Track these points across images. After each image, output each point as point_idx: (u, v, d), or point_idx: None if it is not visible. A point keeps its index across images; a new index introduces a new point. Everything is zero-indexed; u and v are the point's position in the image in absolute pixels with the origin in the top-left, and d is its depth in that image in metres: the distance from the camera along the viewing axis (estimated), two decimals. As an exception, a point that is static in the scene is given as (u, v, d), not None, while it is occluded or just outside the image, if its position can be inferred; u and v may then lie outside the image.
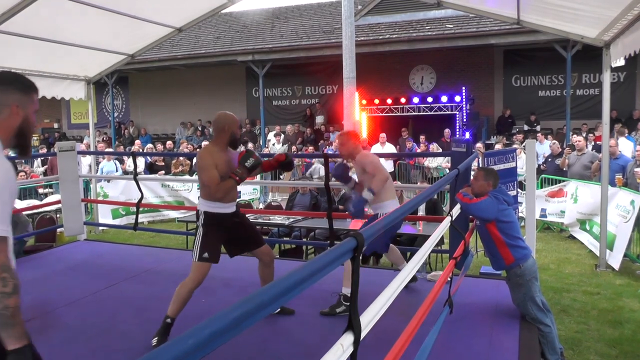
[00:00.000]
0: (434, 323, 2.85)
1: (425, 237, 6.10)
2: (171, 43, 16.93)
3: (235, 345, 3.37)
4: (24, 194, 9.84)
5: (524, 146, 6.11)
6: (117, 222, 9.55)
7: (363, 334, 1.40)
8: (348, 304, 3.98)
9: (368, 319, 1.48)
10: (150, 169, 12.27)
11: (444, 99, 13.95)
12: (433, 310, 2.72)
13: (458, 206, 3.82)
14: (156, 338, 3.58)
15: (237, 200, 4.05)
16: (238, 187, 3.80)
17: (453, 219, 3.38)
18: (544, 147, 11.38)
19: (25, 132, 1.92)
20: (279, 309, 4.03)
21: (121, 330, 3.94)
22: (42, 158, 14.02)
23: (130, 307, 4.40)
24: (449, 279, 3.31)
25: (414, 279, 4.51)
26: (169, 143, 14.94)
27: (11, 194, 1.79)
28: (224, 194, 3.62)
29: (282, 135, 15.65)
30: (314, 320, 4.02)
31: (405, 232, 6.23)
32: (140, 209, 6.79)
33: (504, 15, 6.58)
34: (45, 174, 12.96)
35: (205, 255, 3.63)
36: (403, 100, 14.30)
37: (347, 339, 1.33)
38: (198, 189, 10.76)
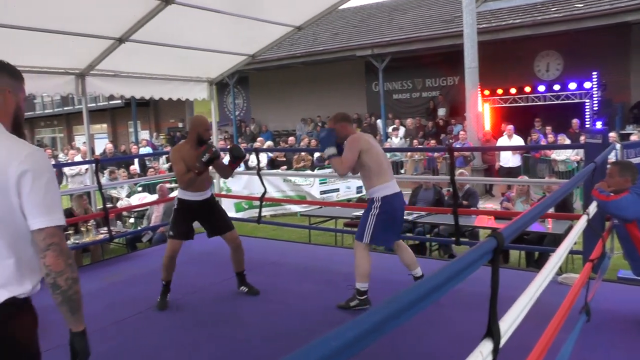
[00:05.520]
0: (570, 331, 2.66)
1: (554, 236, 5.73)
2: (290, 42, 17.33)
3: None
4: (154, 188, 10.53)
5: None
6: (240, 215, 9.97)
7: (502, 342, 1.32)
8: (362, 297, 3.99)
9: (507, 325, 1.39)
10: (272, 164, 12.69)
11: (572, 86, 12.98)
12: (568, 317, 2.52)
13: (594, 203, 3.52)
14: (159, 297, 4.39)
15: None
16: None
17: (590, 217, 3.12)
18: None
19: (19, 121, 1.86)
20: (247, 289, 4.62)
21: (242, 320, 4.10)
22: (166, 155, 15.02)
23: (252, 298, 4.57)
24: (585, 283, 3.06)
25: None
26: (291, 139, 15.30)
27: None
28: (187, 185, 4.25)
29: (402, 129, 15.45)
30: (444, 321, 3.87)
31: (533, 230, 5.86)
32: (263, 203, 7.05)
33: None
34: (170, 170, 13.85)
35: (171, 233, 4.38)
36: (528, 89, 13.52)
37: (487, 347, 1.25)
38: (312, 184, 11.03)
